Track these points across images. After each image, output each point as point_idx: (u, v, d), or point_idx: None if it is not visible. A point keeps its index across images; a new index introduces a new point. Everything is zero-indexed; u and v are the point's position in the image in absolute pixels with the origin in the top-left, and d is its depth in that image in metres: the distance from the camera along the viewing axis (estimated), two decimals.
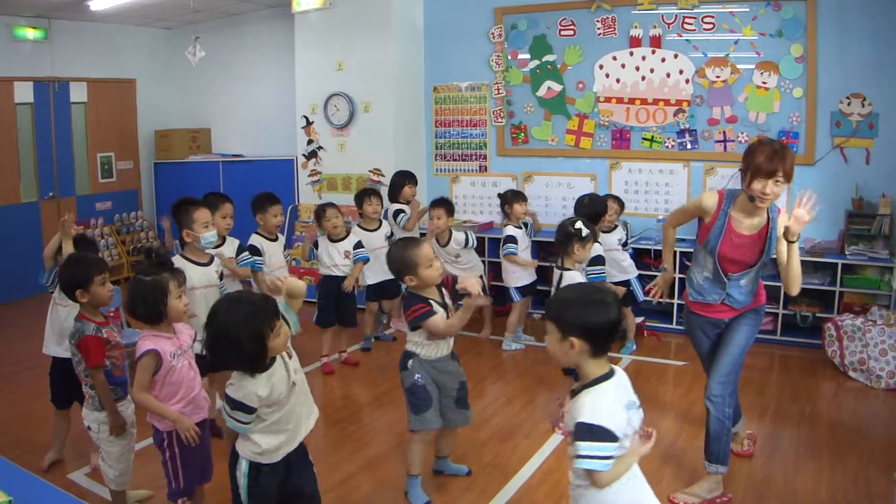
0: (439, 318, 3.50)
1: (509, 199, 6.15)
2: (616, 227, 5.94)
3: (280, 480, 2.74)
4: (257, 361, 2.55)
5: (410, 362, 3.64)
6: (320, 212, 5.72)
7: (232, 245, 4.92)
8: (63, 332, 3.75)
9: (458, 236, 6.09)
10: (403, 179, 6.55)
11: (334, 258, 5.67)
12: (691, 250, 6.09)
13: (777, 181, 3.30)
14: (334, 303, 5.70)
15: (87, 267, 3.35)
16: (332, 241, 5.70)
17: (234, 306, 2.55)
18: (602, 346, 2.34)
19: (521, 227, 6.14)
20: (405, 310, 3.58)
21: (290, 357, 2.74)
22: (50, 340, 3.98)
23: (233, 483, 2.74)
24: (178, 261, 4.06)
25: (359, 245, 5.73)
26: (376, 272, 5.97)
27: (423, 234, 6.27)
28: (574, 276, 4.53)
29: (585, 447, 2.23)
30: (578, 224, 4.53)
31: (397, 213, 6.44)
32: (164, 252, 4.19)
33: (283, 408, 2.68)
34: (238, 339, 2.47)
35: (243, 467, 2.70)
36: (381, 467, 4.13)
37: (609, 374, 2.35)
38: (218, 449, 3.25)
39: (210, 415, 3.31)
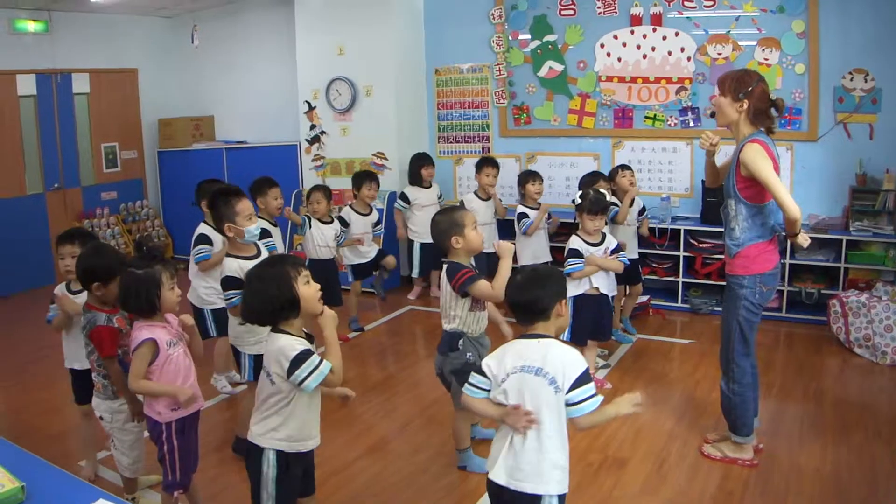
0: (484, 282, 3.54)
1: (521, 179, 6.26)
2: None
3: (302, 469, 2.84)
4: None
5: (461, 342, 3.64)
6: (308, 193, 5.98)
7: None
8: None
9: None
10: (419, 162, 6.98)
11: (327, 239, 5.85)
12: (698, 228, 6.06)
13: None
14: (322, 285, 5.70)
15: (110, 263, 3.28)
16: (322, 222, 5.91)
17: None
18: (518, 318, 2.70)
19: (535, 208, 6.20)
20: (450, 279, 3.58)
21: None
22: (71, 354, 3.78)
23: (253, 478, 2.76)
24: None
25: (344, 223, 6.12)
26: (358, 254, 6.32)
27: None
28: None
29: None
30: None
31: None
32: (156, 244, 4.09)
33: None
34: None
35: (271, 458, 2.72)
36: (383, 454, 4.14)
37: (518, 338, 2.67)
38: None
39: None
